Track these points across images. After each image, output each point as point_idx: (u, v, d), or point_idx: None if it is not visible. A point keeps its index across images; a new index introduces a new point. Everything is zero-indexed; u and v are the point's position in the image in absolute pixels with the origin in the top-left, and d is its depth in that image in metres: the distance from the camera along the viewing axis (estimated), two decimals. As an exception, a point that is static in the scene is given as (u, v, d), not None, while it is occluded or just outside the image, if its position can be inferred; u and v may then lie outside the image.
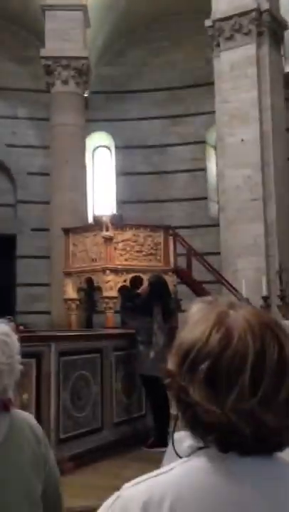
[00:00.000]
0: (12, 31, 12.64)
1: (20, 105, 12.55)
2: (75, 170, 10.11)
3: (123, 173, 12.77)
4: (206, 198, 12.35)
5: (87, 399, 4.53)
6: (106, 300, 7.40)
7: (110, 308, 7.44)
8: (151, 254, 7.62)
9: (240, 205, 8.70)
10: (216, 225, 10.40)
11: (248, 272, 8.32)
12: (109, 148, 13.29)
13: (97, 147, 13.35)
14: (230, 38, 9.14)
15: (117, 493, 0.77)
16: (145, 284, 5.69)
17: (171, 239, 7.91)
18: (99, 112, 12.40)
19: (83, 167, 10.55)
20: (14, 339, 1.48)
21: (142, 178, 12.54)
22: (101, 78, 12.47)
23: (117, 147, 12.98)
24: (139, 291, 5.38)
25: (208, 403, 0.71)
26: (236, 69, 9.04)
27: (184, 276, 8.11)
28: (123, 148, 12.83)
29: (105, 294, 7.38)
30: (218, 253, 9.64)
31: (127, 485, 0.77)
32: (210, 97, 10.19)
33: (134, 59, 12.86)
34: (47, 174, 10.90)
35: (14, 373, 1.47)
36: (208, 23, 9.32)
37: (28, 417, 1.56)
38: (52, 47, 10.31)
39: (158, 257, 7.67)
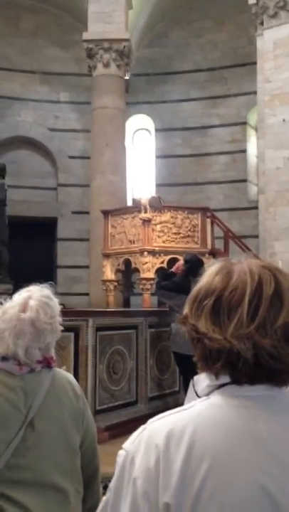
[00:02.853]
0: (55, 15, 12.75)
1: (63, 89, 12.71)
2: (115, 153, 10.17)
3: (162, 155, 12.77)
4: (245, 181, 12.20)
5: (123, 373, 4.68)
6: (143, 281, 7.49)
7: (147, 289, 7.52)
8: (188, 236, 7.64)
9: (280, 187, 8.58)
10: (255, 207, 10.29)
11: (285, 254, 8.23)
12: (149, 130, 13.30)
13: (137, 130, 13.38)
14: (275, 15, 8.92)
15: (143, 426, 0.86)
16: (179, 262, 5.72)
17: (208, 221, 7.90)
18: (139, 94, 12.40)
19: (123, 150, 10.61)
20: (55, 301, 1.61)
21: (181, 160, 12.50)
22: (142, 60, 12.44)
23: (157, 130, 12.97)
24: (172, 269, 5.41)
25: (213, 332, 0.82)
26: (280, 47, 8.82)
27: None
28: (163, 130, 12.81)
29: (143, 275, 7.47)
30: (256, 236, 9.54)
31: (152, 419, 0.86)
32: (252, 77, 10.01)
33: (175, 40, 12.74)
34: (87, 157, 11.04)
35: (56, 332, 1.59)
36: (251, 0, 9.13)
37: (68, 374, 1.68)
38: (94, 30, 10.35)
39: (195, 239, 7.69)
